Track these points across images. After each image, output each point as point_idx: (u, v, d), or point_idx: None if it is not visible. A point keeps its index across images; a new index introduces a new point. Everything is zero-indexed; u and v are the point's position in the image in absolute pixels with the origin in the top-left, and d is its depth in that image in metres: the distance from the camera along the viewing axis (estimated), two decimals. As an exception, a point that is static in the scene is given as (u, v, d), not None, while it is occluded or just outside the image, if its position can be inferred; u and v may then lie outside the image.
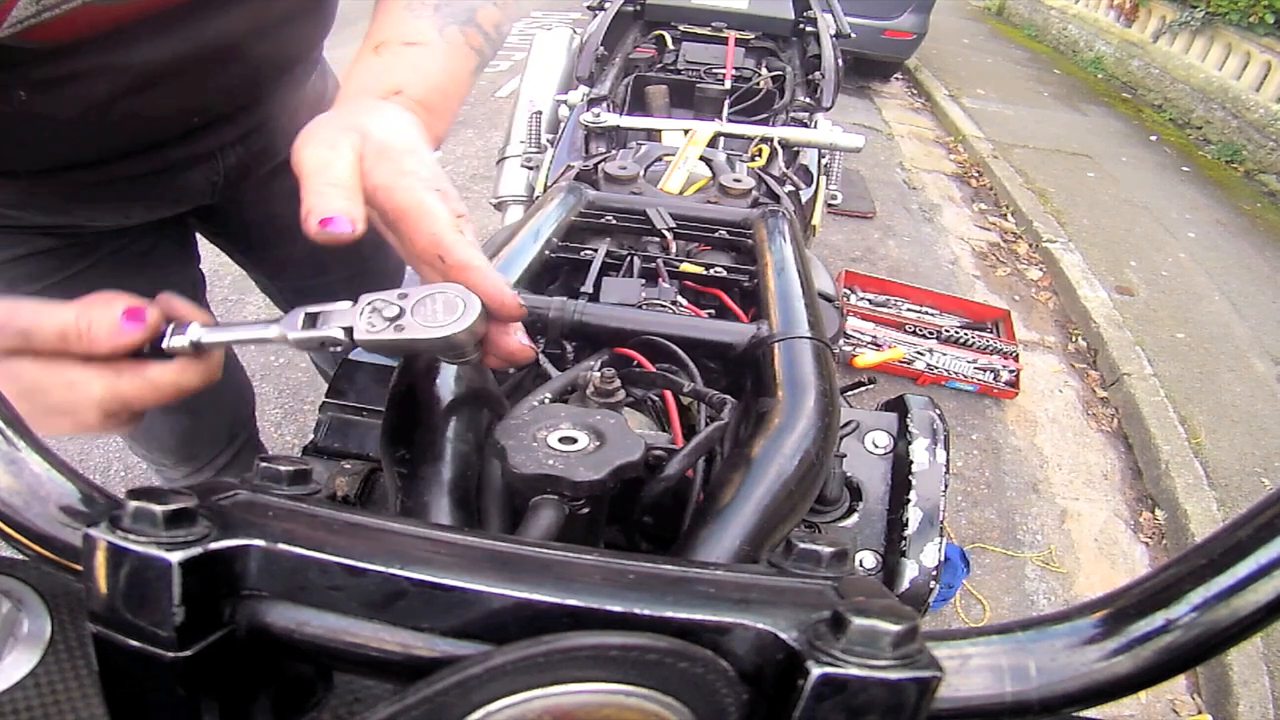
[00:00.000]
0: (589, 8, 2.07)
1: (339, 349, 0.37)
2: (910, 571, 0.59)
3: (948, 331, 2.65)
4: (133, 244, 0.81)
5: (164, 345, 0.37)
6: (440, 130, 0.51)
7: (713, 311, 0.76)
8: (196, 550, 0.22)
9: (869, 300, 2.80)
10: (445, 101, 0.52)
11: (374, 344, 0.37)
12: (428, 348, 0.37)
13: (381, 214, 0.41)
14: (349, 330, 0.37)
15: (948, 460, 0.63)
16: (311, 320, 0.38)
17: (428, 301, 0.37)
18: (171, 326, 0.38)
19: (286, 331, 0.38)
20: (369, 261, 1.04)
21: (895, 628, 0.21)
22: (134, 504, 0.22)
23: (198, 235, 0.95)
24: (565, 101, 1.49)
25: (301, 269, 1.02)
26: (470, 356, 0.39)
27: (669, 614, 0.23)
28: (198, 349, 0.38)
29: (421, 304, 0.37)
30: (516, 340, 0.41)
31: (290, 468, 0.29)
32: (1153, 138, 5.17)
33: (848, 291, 2.81)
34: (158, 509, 0.22)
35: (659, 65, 1.84)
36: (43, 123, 0.58)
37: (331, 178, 0.39)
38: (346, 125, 0.42)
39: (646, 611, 0.23)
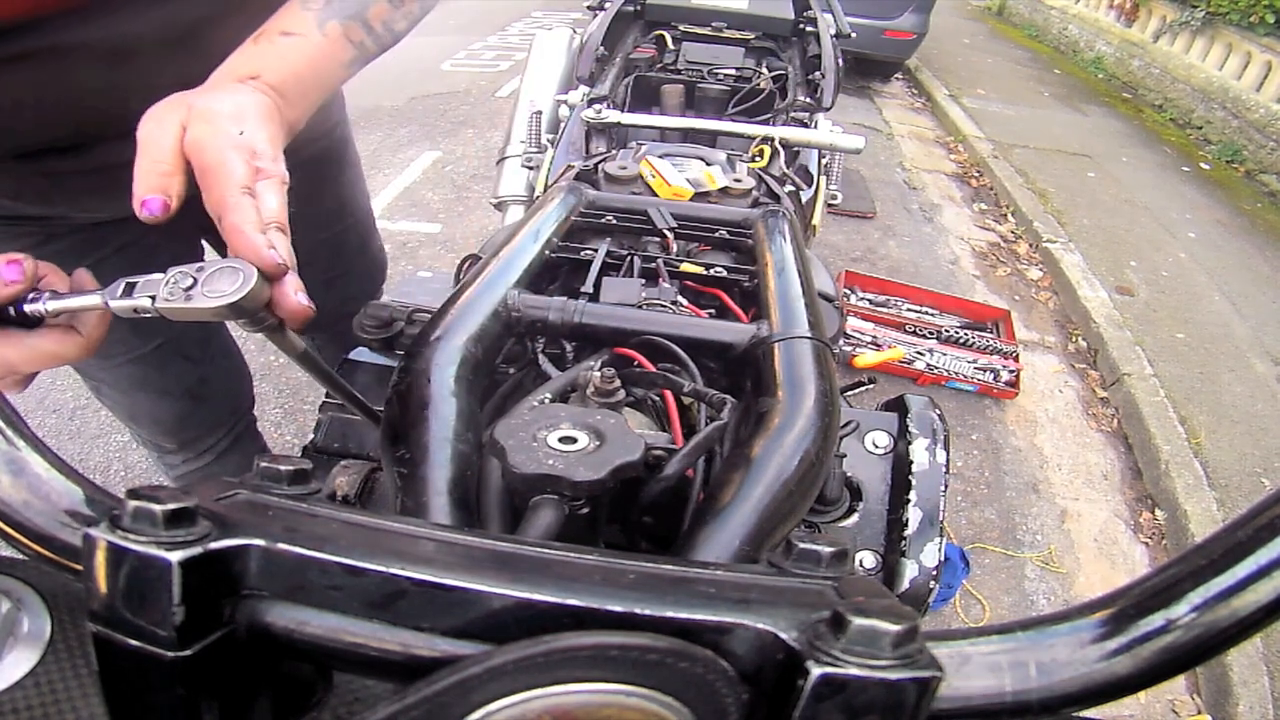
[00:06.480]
0: (589, 8, 2.07)
1: (149, 314, 0.41)
2: (910, 571, 0.59)
3: (948, 331, 2.65)
4: (139, 240, 0.82)
5: (25, 309, 0.41)
6: (293, 116, 0.53)
7: (713, 311, 0.76)
8: (196, 550, 0.22)
9: (869, 300, 2.80)
10: (302, 89, 0.54)
11: (171, 311, 0.41)
12: (215, 316, 0.41)
13: (195, 171, 0.44)
14: (153, 298, 0.40)
15: (948, 460, 0.63)
16: (129, 289, 0.41)
17: (217, 274, 0.41)
18: (32, 295, 0.41)
19: (108, 299, 0.41)
20: (351, 263, 1.06)
21: (895, 628, 0.21)
22: (134, 504, 0.22)
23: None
24: (565, 101, 1.49)
25: None
26: (267, 322, 0.43)
27: (669, 614, 0.23)
28: (52, 315, 0.42)
29: (212, 276, 0.41)
30: (295, 300, 0.44)
31: (290, 468, 0.29)
32: (1153, 137, 5.17)
33: (848, 291, 2.81)
34: (157, 509, 0.22)
35: (659, 65, 1.84)
36: (7, 102, 0.58)
37: (154, 155, 0.42)
38: (180, 101, 0.45)
39: (647, 611, 0.23)
